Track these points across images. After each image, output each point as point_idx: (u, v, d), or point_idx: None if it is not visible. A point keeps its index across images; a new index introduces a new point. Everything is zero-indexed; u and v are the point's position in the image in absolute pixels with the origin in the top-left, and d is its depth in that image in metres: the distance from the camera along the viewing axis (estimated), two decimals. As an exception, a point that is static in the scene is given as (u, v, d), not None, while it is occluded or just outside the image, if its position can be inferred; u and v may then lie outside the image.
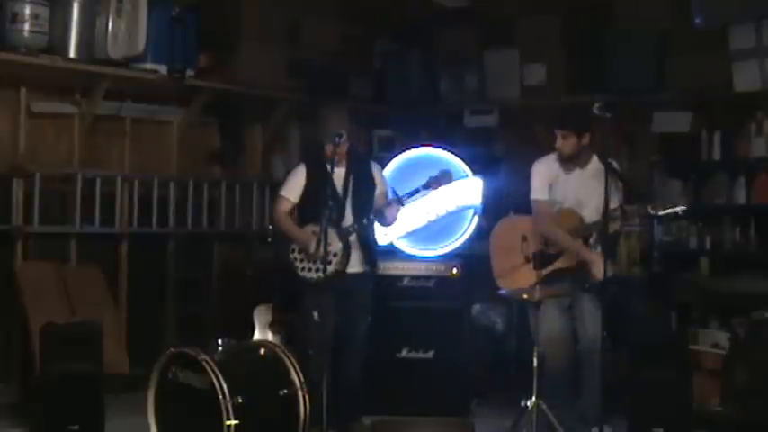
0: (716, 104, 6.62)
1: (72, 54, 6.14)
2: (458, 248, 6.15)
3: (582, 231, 5.09)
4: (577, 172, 5.21)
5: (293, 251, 5.27)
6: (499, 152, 7.84)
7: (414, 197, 5.32)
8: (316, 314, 4.94)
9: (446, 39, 8.00)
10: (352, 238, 5.22)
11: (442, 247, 6.14)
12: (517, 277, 5.17)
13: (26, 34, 5.89)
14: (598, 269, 4.88)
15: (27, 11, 5.87)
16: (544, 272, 5.08)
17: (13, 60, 5.92)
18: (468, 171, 6.12)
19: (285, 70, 7.41)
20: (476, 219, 6.12)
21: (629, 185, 5.13)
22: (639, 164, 6.87)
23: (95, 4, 6.21)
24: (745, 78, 6.25)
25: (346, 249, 5.17)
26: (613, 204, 5.02)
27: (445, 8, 7.48)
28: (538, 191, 5.31)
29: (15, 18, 5.85)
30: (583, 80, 6.99)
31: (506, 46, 7.59)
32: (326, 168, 5.10)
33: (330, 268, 5.05)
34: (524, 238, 5.23)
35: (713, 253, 6.50)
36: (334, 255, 5.12)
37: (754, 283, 6.15)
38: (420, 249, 6.10)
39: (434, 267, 6.05)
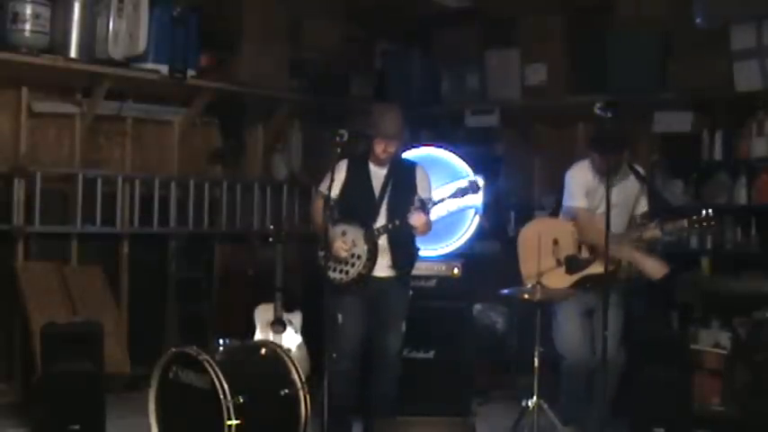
0: (717, 104, 6.61)
1: (73, 54, 6.15)
2: (459, 248, 6.15)
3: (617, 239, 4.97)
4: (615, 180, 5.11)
5: (321, 250, 5.00)
6: (500, 152, 7.84)
7: (438, 204, 5.11)
8: (340, 317, 4.82)
9: (447, 38, 8.00)
10: (382, 240, 5.01)
11: (444, 247, 6.13)
12: (547, 280, 5.08)
13: (27, 34, 5.90)
14: (652, 270, 5.02)
15: (28, 11, 5.88)
16: (576, 276, 5.09)
17: (15, 60, 5.94)
18: (470, 171, 6.11)
19: (286, 70, 7.42)
20: (477, 218, 6.12)
21: (655, 194, 5.14)
22: (640, 164, 6.86)
23: (96, 4, 6.22)
24: (746, 78, 6.24)
25: (371, 252, 4.96)
26: (643, 207, 5.14)
27: (446, 8, 7.49)
28: (576, 197, 5.25)
29: (16, 18, 5.86)
30: (584, 80, 6.99)
31: (507, 46, 7.59)
32: (368, 167, 5.08)
33: (352, 271, 4.95)
34: (555, 241, 5.19)
35: (714, 253, 6.49)
36: (358, 257, 4.96)
37: (756, 283, 6.15)
38: (421, 249, 6.08)
39: (435, 267, 6.04)
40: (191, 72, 6.69)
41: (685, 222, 4.88)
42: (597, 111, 4.81)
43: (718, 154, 6.50)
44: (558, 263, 5.16)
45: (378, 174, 5.13)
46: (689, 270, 6.58)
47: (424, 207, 4.97)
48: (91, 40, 6.22)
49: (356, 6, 7.72)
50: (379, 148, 5.03)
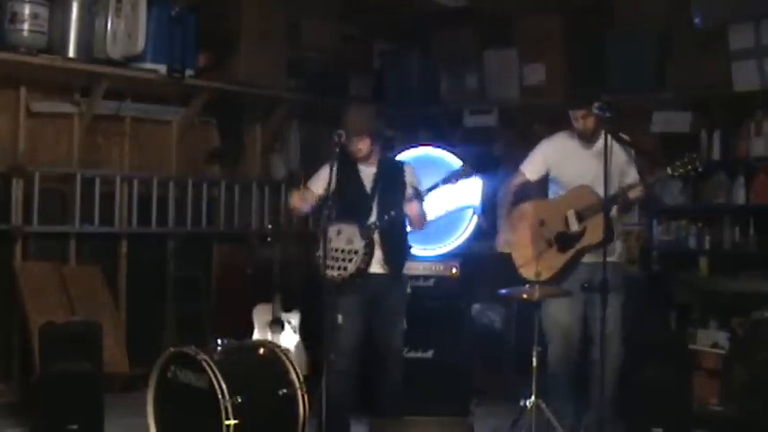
0: (715, 104, 6.61)
1: (71, 54, 6.15)
2: (457, 248, 6.15)
3: (594, 209, 4.88)
4: (595, 149, 5.00)
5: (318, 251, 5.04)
6: (498, 152, 7.83)
7: (432, 191, 5.07)
8: (340, 317, 4.86)
9: (445, 38, 8.00)
10: (375, 237, 5.05)
11: (442, 247, 6.14)
12: (542, 264, 4.95)
13: (26, 34, 5.89)
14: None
15: (26, 10, 5.87)
16: (570, 253, 4.99)
17: (13, 60, 5.93)
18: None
19: (284, 70, 7.42)
20: (475, 218, 6.13)
21: (644, 152, 5.02)
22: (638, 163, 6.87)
23: (95, 3, 6.22)
24: (744, 78, 6.25)
25: (368, 248, 5.01)
26: (632, 178, 4.99)
27: (445, 8, 7.49)
28: (527, 162, 5.28)
29: (15, 18, 5.86)
30: (582, 80, 7.00)
31: (506, 46, 7.59)
32: (356, 166, 5.11)
33: (351, 266, 4.97)
34: (542, 223, 5.09)
35: (712, 253, 6.50)
36: (355, 252, 4.99)
37: (754, 283, 6.15)
38: (419, 249, 6.09)
39: (434, 267, 6.05)
40: (189, 72, 6.69)
41: (669, 170, 4.75)
42: (596, 110, 4.82)
43: (716, 154, 6.50)
44: (549, 243, 5.05)
45: (367, 172, 5.17)
46: (687, 270, 6.59)
47: (420, 197, 5.02)
48: (89, 39, 6.22)
49: (354, 6, 7.72)
50: (352, 146, 5.08)
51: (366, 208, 5.10)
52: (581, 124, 5.07)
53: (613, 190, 4.85)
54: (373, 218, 5.08)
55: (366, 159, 5.15)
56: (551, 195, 5.31)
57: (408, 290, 5.45)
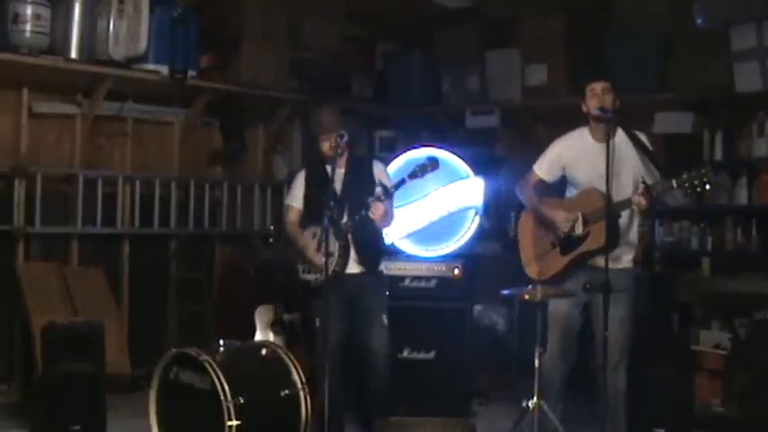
0: (717, 105, 6.61)
1: (74, 55, 6.15)
2: (459, 249, 6.15)
3: (602, 214, 4.70)
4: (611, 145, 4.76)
5: (301, 263, 5.17)
6: (500, 153, 7.85)
7: (400, 187, 5.01)
8: (317, 321, 4.87)
9: (448, 39, 8.01)
10: (349, 237, 5.08)
11: (444, 248, 6.13)
12: (545, 263, 4.96)
13: (28, 35, 5.89)
14: (561, 224, 4.91)
15: (29, 11, 5.87)
16: (571, 256, 4.93)
17: (15, 61, 5.93)
18: (470, 171, 6.12)
19: (287, 71, 7.43)
20: (477, 219, 6.12)
21: (654, 159, 4.92)
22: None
23: (97, 4, 6.23)
24: (746, 79, 6.25)
25: (344, 249, 5.04)
26: (649, 180, 4.78)
27: (447, 8, 7.49)
28: (539, 161, 5.17)
29: (17, 18, 5.86)
30: (584, 80, 6.97)
31: (508, 46, 7.60)
32: (325, 170, 5.05)
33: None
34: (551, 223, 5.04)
35: (715, 253, 6.50)
36: (331, 254, 4.92)
37: (756, 284, 6.15)
38: (422, 250, 6.10)
39: (436, 268, 6.04)
40: (191, 73, 6.69)
41: (674, 183, 4.60)
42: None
43: (718, 154, 6.50)
44: (552, 245, 5.03)
45: (338, 173, 5.14)
46: (689, 271, 6.59)
47: (386, 194, 4.97)
48: (91, 40, 6.23)
49: (357, 7, 7.72)
50: (325, 145, 5.08)
51: (339, 209, 5.06)
52: (598, 102, 4.87)
53: (633, 188, 4.76)
54: (345, 218, 5.08)
55: (335, 158, 5.07)
56: (567, 195, 5.20)
57: (386, 291, 5.43)
